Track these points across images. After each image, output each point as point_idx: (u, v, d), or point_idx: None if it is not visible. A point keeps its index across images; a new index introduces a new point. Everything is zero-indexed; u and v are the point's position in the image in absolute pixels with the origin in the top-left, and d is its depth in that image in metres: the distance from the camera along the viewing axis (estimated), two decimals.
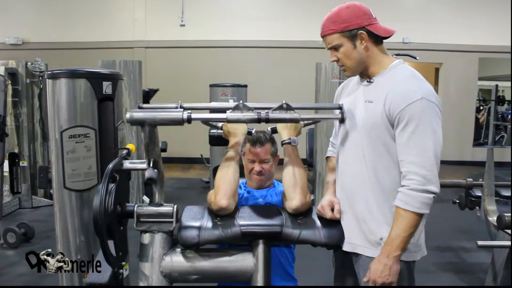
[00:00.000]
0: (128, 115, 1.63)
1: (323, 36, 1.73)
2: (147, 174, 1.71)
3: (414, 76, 1.67)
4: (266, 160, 2.08)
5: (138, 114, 1.65)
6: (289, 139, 1.89)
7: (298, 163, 1.89)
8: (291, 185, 1.85)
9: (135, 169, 1.77)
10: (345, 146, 1.79)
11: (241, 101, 1.76)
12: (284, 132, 1.93)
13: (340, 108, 1.76)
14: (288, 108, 1.73)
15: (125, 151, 1.77)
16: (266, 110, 1.73)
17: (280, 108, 1.73)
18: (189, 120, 1.64)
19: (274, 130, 2.05)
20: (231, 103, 1.80)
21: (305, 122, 2.05)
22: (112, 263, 1.67)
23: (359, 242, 1.74)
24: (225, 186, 1.83)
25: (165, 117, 1.65)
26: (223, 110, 1.78)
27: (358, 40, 1.67)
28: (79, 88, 2.28)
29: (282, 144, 1.92)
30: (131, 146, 1.82)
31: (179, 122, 1.63)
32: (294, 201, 1.83)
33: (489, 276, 2.90)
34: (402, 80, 1.65)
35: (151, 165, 1.73)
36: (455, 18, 9.16)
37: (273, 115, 1.72)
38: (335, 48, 1.71)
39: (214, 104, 1.88)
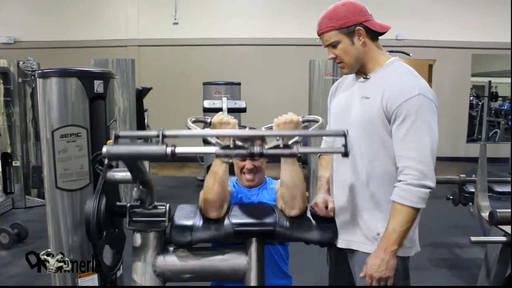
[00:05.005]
0: (105, 150, 1.42)
1: (320, 34, 1.73)
2: (135, 195, 1.68)
3: (411, 73, 1.69)
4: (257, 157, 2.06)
5: (116, 149, 1.43)
6: None
7: (296, 171, 1.80)
8: (291, 196, 1.79)
9: (123, 181, 1.68)
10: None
11: (231, 140, 1.48)
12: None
13: (345, 136, 1.48)
14: (286, 146, 1.49)
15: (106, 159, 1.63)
16: (260, 147, 1.49)
17: (276, 147, 1.49)
18: (173, 155, 1.43)
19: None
20: (220, 131, 1.67)
21: (305, 117, 1.86)
22: (105, 273, 1.66)
23: (354, 238, 1.75)
24: (212, 199, 1.79)
25: (146, 153, 1.44)
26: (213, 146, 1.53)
27: (356, 36, 1.68)
28: (70, 87, 2.27)
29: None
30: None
31: (162, 158, 1.42)
32: (293, 210, 1.80)
33: (483, 272, 2.90)
34: (399, 77, 1.66)
35: (138, 184, 1.67)
36: (448, 15, 9.18)
37: (268, 151, 1.48)
38: (333, 45, 1.71)
39: (199, 132, 1.63)
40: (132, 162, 1.52)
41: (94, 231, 1.55)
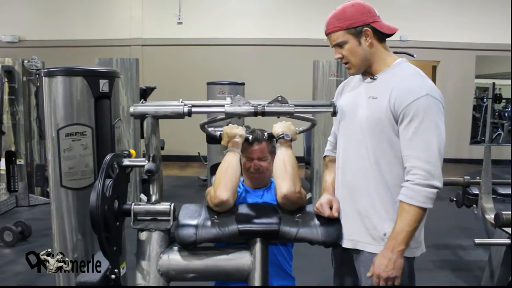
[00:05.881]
0: (131, 109, 1.73)
1: (327, 34, 1.74)
2: (147, 166, 1.73)
3: (418, 73, 1.70)
4: (264, 158, 2.08)
5: (141, 107, 1.75)
6: (282, 133, 1.97)
7: (288, 153, 1.94)
8: (280, 174, 1.89)
9: (134, 165, 1.80)
10: (347, 143, 1.80)
11: (238, 95, 1.79)
12: (279, 131, 2.02)
13: (331, 105, 1.80)
14: (283, 101, 1.76)
15: (125, 152, 1.80)
16: (262, 104, 1.77)
17: (276, 101, 1.77)
18: (190, 113, 1.74)
19: (271, 136, 2.08)
20: (229, 101, 1.80)
21: (300, 129, 2.11)
22: (109, 255, 1.67)
23: (360, 238, 1.74)
24: (226, 180, 1.86)
25: (167, 110, 1.75)
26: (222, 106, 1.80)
27: (363, 37, 1.69)
28: (76, 86, 2.27)
29: (277, 141, 1.99)
30: (132, 151, 1.84)
31: (180, 115, 1.73)
32: (282, 188, 1.85)
33: (486, 274, 2.90)
34: (407, 77, 1.67)
35: (150, 159, 1.75)
36: (452, 16, 9.16)
37: (269, 108, 1.76)
38: (340, 45, 1.72)
39: (213, 102, 1.90)
40: (154, 122, 1.76)
41: (98, 207, 1.55)
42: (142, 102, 1.80)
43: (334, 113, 1.79)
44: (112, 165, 1.70)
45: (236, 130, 2.02)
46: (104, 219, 1.60)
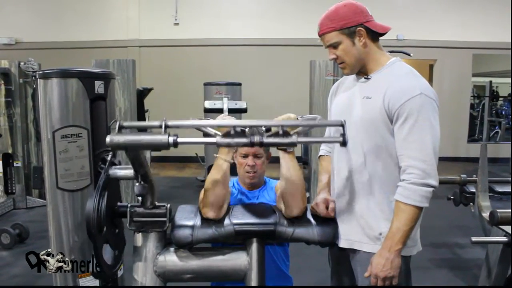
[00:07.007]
0: (108, 139, 1.43)
1: (321, 35, 1.74)
2: (136, 190, 1.66)
3: (412, 73, 1.70)
4: (259, 155, 2.06)
5: (119, 138, 1.44)
6: None
7: (294, 169, 1.83)
8: (290, 194, 1.81)
9: (125, 178, 1.73)
10: None
11: (232, 128, 1.51)
12: None
13: (342, 125, 1.51)
14: (285, 134, 1.50)
15: (110, 155, 1.73)
16: (260, 136, 1.51)
17: (276, 134, 1.51)
18: (175, 144, 1.46)
19: (267, 130, 1.97)
20: (222, 121, 1.68)
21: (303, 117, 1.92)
22: (106, 272, 1.67)
23: (356, 238, 1.75)
24: (212, 199, 1.80)
25: (148, 141, 1.46)
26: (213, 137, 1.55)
27: (357, 37, 1.69)
28: (71, 88, 2.27)
29: (278, 148, 1.84)
30: None
31: (164, 147, 1.45)
32: (294, 210, 1.81)
33: (484, 272, 2.90)
34: (401, 77, 1.67)
35: (139, 180, 1.66)
36: (448, 14, 9.18)
37: (268, 140, 1.50)
38: (334, 46, 1.72)
39: (201, 122, 1.64)
40: (135, 152, 1.54)
41: (94, 228, 1.56)
42: (120, 126, 1.51)
43: (344, 143, 1.49)
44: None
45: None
46: (100, 232, 1.60)
